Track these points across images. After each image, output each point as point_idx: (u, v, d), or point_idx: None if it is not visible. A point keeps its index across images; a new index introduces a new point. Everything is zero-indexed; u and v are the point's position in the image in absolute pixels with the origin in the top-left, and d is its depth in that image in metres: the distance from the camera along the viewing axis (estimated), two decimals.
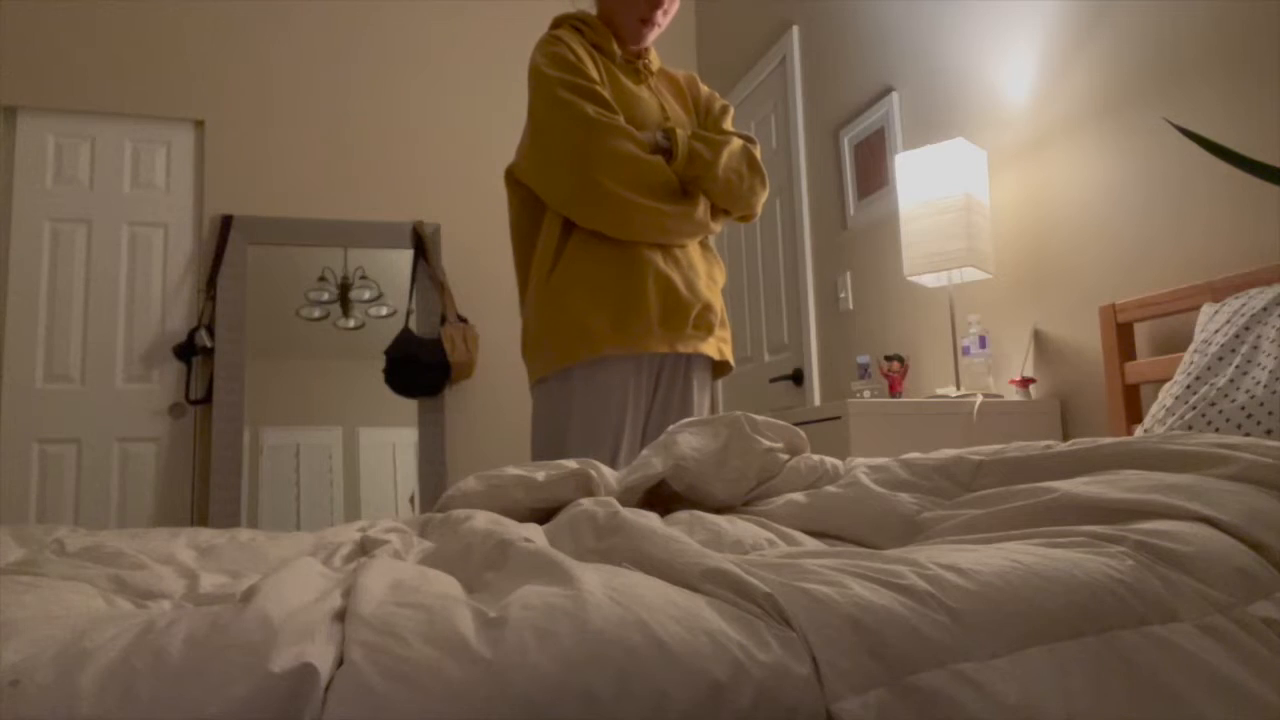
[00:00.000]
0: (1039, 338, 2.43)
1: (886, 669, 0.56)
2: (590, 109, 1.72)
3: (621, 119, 1.76)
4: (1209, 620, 0.66)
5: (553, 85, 1.75)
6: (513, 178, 1.88)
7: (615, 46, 1.90)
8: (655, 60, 1.99)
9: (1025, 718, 0.55)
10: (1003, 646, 0.59)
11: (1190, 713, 0.59)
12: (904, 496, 1.05)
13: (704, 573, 0.64)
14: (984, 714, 0.55)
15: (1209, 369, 1.54)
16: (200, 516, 3.74)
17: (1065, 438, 2.33)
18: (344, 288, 4.05)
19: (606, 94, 1.77)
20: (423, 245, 4.07)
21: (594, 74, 1.80)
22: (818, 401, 3.51)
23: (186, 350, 3.79)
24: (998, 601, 0.62)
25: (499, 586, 0.66)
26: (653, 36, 1.91)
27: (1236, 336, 1.54)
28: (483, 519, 0.98)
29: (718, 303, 1.92)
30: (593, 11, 1.94)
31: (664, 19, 1.89)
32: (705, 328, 1.88)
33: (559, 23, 1.92)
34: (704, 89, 2.04)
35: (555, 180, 1.77)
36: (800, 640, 0.56)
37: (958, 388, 2.42)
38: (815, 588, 0.61)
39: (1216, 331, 1.60)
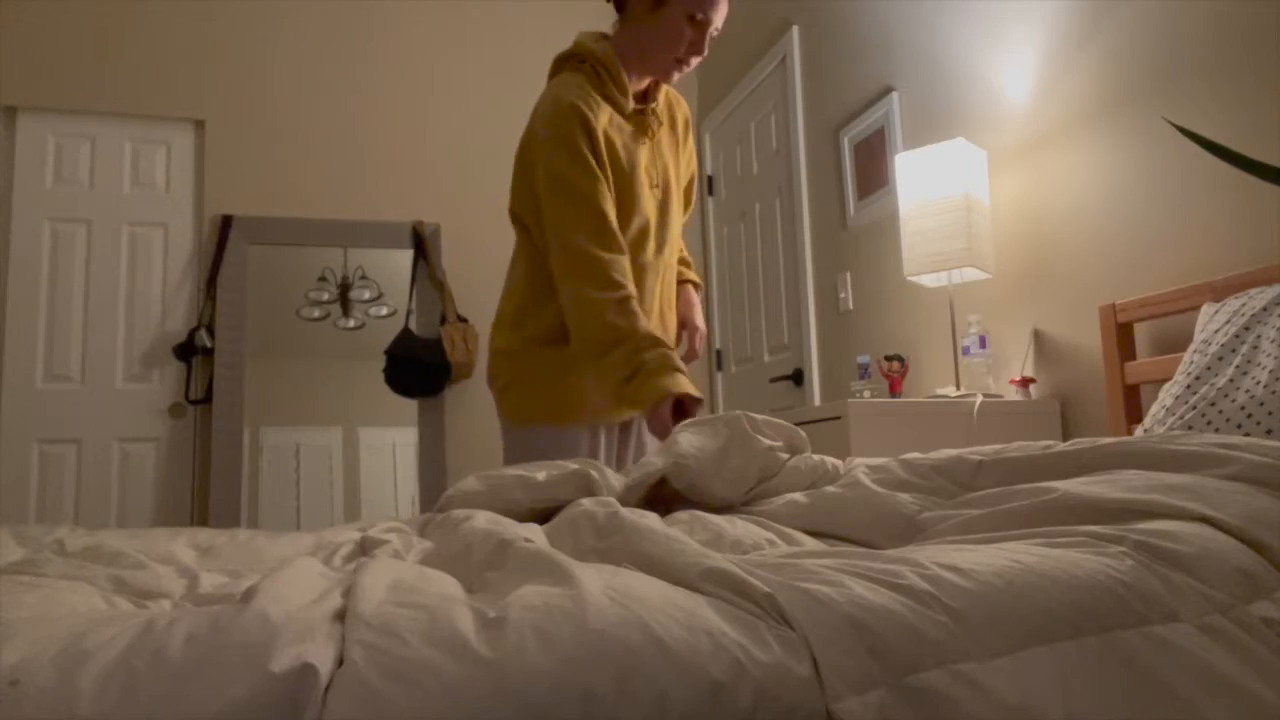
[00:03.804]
0: (1039, 338, 2.43)
1: (886, 669, 0.56)
2: (593, 249, 1.65)
3: (613, 219, 1.69)
4: (1209, 620, 0.66)
5: (557, 188, 1.68)
6: (520, 221, 1.81)
7: (628, 98, 1.79)
8: (662, 101, 1.89)
9: (1025, 718, 0.55)
10: (1003, 646, 0.59)
11: (1190, 713, 0.59)
12: (904, 496, 1.05)
13: (704, 573, 0.64)
14: (984, 714, 0.55)
15: (1209, 369, 1.54)
16: (200, 516, 3.74)
17: (1065, 438, 2.33)
18: (344, 288, 4.05)
19: (610, 200, 1.70)
20: (423, 245, 4.07)
21: (603, 153, 1.71)
22: (818, 401, 3.51)
23: (186, 350, 3.79)
24: (998, 601, 0.62)
25: (499, 586, 0.66)
26: (678, 78, 1.82)
27: (1236, 336, 1.54)
28: (483, 519, 0.98)
29: (681, 344, 1.94)
30: (609, 32, 1.81)
31: (695, 62, 1.79)
32: None
33: (578, 63, 1.78)
34: (685, 120, 1.97)
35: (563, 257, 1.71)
36: (800, 640, 0.56)
37: (958, 388, 2.42)
38: (815, 588, 0.61)
39: (1216, 331, 1.60)
